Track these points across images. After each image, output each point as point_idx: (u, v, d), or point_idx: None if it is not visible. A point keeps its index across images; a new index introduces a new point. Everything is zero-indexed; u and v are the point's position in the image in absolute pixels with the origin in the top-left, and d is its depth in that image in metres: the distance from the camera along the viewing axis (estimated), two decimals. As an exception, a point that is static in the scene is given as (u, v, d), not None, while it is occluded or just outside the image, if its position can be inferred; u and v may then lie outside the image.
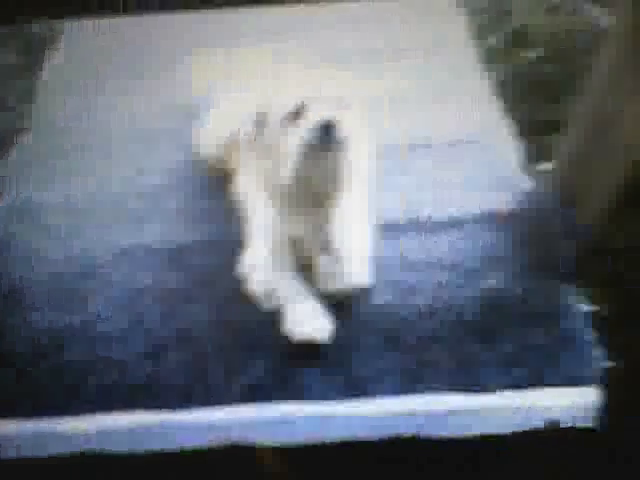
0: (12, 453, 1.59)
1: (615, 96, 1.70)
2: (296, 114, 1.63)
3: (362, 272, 1.77)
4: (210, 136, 2.11)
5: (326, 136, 1.59)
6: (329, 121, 1.59)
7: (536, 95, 2.22)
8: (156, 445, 1.57)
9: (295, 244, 1.78)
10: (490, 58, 2.40)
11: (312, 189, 1.69)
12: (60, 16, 2.09)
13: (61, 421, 1.60)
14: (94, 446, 1.58)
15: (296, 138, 1.62)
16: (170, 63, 2.58)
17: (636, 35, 1.59)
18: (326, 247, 1.76)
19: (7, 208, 2.12)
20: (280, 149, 1.66)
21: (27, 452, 1.59)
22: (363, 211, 1.84)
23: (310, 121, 1.60)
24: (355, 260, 1.77)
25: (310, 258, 1.78)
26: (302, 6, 2.45)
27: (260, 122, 1.72)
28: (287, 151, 1.64)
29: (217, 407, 1.60)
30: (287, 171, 1.65)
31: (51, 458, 1.57)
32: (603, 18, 1.87)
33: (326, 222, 1.77)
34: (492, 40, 2.43)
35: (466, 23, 2.59)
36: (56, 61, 2.71)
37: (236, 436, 1.57)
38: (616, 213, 1.77)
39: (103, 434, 1.59)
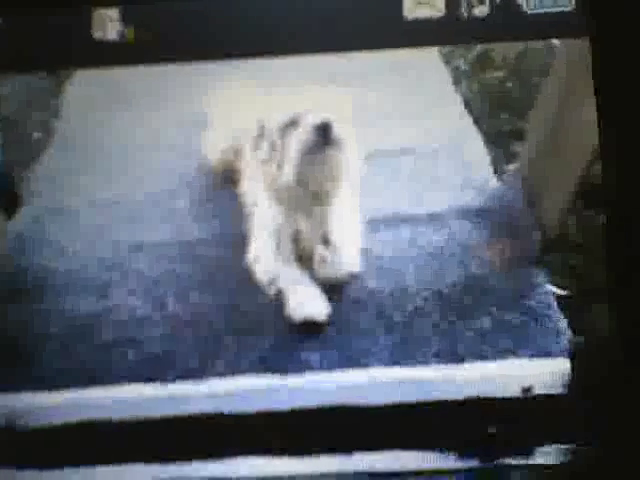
0: (46, 420, 1.56)
1: (564, 105, 1.74)
2: (294, 121, 1.63)
3: (354, 260, 1.78)
4: (214, 144, 2.12)
5: (323, 136, 1.60)
6: (324, 122, 1.59)
7: (501, 109, 2.23)
8: (172, 411, 1.55)
9: (295, 237, 1.77)
10: (458, 79, 2.40)
11: (311, 187, 1.70)
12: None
13: (91, 391, 1.60)
14: (121, 414, 1.56)
15: (295, 140, 1.62)
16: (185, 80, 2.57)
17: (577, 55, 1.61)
18: (323, 239, 1.76)
19: (36, 211, 2.11)
20: (281, 152, 1.66)
21: (59, 419, 1.55)
22: (354, 205, 1.84)
23: (307, 124, 1.60)
24: (348, 250, 1.78)
25: (309, 249, 1.78)
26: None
27: (260, 131, 1.71)
28: (288, 153, 1.64)
29: (229, 378, 1.60)
30: (289, 171, 1.65)
31: (80, 424, 1.55)
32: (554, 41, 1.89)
33: (324, 216, 1.77)
34: (459, 62, 2.44)
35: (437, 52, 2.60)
36: (80, 78, 2.69)
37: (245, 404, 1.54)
38: (571, 209, 1.78)
39: (129, 403, 1.58)
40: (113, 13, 1.45)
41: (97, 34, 1.44)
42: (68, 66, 2.00)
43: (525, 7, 1.46)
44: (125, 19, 1.45)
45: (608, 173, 1.48)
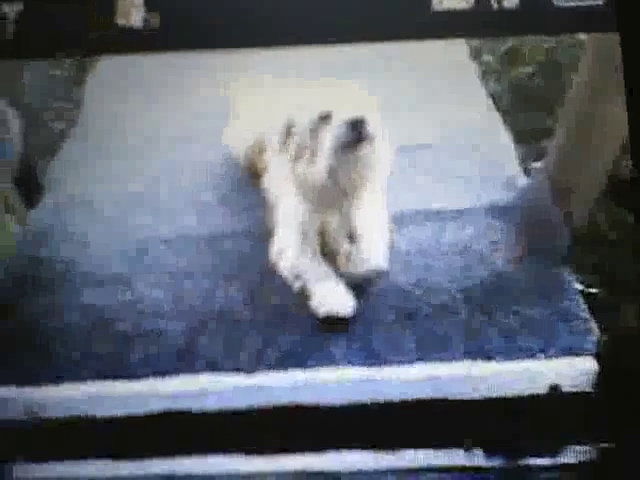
0: (64, 413, 1.55)
1: (593, 101, 1.73)
2: (326, 116, 1.62)
3: (381, 256, 1.77)
4: (238, 137, 2.12)
5: (356, 132, 1.59)
6: (358, 118, 1.58)
7: (530, 105, 2.23)
8: (196, 405, 1.54)
9: (321, 232, 1.77)
10: (487, 74, 2.40)
11: (341, 183, 1.69)
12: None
13: (110, 385, 1.59)
14: (140, 408, 1.54)
15: (328, 136, 1.61)
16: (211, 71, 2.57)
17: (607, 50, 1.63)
18: (349, 235, 1.76)
19: (57, 201, 2.13)
20: (312, 148, 1.65)
21: (78, 412, 1.54)
22: (382, 201, 1.84)
23: (340, 120, 1.59)
24: (375, 246, 1.78)
25: (335, 245, 1.78)
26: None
27: (287, 127, 1.71)
28: (320, 149, 1.63)
29: (252, 374, 1.59)
30: (321, 168, 1.64)
31: (98, 418, 1.54)
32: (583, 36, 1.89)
33: (351, 212, 1.77)
34: (488, 58, 2.43)
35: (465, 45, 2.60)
36: (102, 68, 2.70)
37: (267, 399, 1.54)
38: (599, 205, 1.78)
39: (150, 396, 1.57)
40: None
41: (120, 21, 1.43)
42: (91, 53, 2.01)
43: (555, 0, 1.45)
44: (149, 5, 1.44)
45: (638, 169, 1.46)
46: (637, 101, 1.43)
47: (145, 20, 1.43)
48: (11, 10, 1.38)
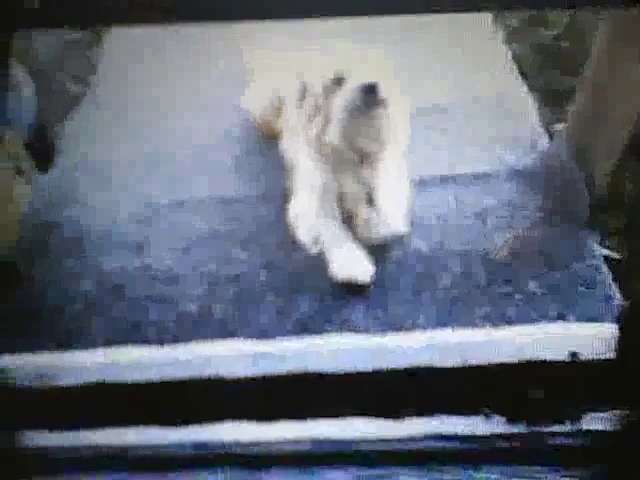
0: (74, 380, 1.56)
1: (611, 68, 1.74)
2: (338, 80, 1.62)
3: (400, 221, 1.78)
4: (254, 99, 2.12)
5: (369, 96, 1.60)
6: (371, 83, 1.58)
7: (554, 67, 2.22)
8: (213, 371, 1.54)
9: (340, 196, 1.77)
10: (510, 36, 2.39)
11: (357, 146, 1.69)
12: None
13: (122, 351, 1.61)
14: (155, 374, 1.55)
15: (341, 100, 1.62)
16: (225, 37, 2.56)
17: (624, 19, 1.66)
18: (368, 199, 1.76)
19: (71, 165, 2.13)
20: (326, 111, 1.65)
21: (90, 378, 1.55)
22: (401, 166, 1.83)
23: (353, 84, 1.60)
24: (394, 210, 1.78)
25: (353, 209, 1.78)
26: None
27: (303, 89, 1.71)
28: (334, 112, 1.64)
29: (268, 340, 1.60)
30: (335, 130, 1.65)
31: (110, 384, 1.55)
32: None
33: (369, 176, 1.77)
34: (514, 21, 2.42)
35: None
36: (118, 34, 2.69)
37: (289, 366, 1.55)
38: (623, 163, 1.79)
39: (163, 363, 1.58)
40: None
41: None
42: (104, 23, 2.00)
43: None
44: None
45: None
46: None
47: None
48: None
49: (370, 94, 1.60)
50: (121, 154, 2.14)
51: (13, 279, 1.76)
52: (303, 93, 1.72)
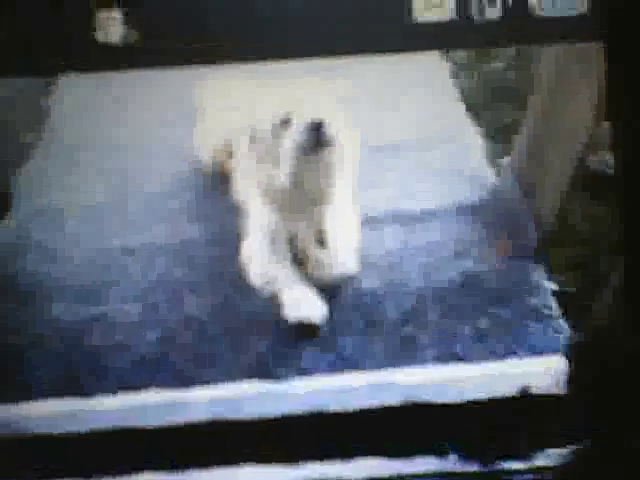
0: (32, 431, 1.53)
1: (556, 95, 1.77)
2: (286, 120, 1.63)
3: (350, 261, 1.78)
4: (205, 143, 2.14)
5: (316, 135, 1.60)
6: (316, 121, 1.59)
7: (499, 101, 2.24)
8: (169, 418, 1.53)
9: (290, 238, 1.78)
10: (457, 72, 2.41)
11: (307, 187, 1.70)
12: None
13: (84, 400, 1.59)
14: (114, 422, 1.53)
15: (289, 141, 1.62)
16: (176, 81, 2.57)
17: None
18: (319, 240, 1.77)
19: (25, 214, 2.13)
20: (275, 153, 1.66)
21: (47, 430, 1.53)
22: (351, 204, 1.85)
23: (300, 124, 1.60)
24: (345, 250, 1.79)
25: (304, 250, 1.79)
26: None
27: (253, 132, 1.72)
28: (281, 154, 1.64)
29: (224, 384, 1.59)
30: (283, 173, 1.65)
31: (72, 434, 1.53)
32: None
33: (319, 216, 1.78)
34: (460, 55, 2.44)
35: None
36: (70, 80, 2.69)
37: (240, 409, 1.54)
38: (570, 197, 1.79)
39: (124, 411, 1.57)
40: (116, 15, 1.43)
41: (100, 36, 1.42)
42: (65, 70, 2.00)
43: (537, 10, 1.46)
44: (127, 22, 1.43)
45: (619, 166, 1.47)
46: (615, 101, 1.43)
47: (124, 37, 1.43)
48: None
49: (316, 133, 1.60)
50: (73, 202, 2.14)
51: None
52: (253, 137, 1.72)
